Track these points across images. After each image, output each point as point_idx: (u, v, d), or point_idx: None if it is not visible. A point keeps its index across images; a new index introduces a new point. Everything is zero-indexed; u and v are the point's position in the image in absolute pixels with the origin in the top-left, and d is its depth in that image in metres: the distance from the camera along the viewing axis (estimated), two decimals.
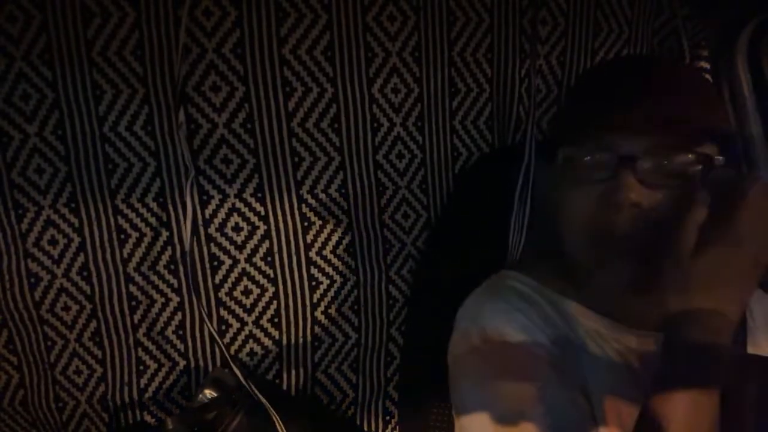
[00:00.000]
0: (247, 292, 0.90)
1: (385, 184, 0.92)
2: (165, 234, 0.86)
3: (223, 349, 0.86)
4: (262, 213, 0.88)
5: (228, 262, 0.88)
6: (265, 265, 0.90)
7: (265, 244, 0.89)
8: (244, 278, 0.89)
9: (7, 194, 0.80)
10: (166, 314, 0.89)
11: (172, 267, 0.87)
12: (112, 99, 0.81)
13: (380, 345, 0.97)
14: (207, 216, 0.87)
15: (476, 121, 0.94)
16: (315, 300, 0.92)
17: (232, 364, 0.85)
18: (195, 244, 0.87)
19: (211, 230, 0.87)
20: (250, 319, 0.91)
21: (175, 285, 0.88)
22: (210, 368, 0.91)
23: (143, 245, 0.86)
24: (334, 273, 0.92)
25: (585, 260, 0.65)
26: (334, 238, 0.91)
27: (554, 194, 0.69)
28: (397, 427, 1.00)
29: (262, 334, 0.92)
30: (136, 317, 0.88)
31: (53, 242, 0.83)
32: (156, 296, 0.88)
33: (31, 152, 0.80)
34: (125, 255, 0.85)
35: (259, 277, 0.90)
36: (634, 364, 0.66)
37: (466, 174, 0.94)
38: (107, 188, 0.83)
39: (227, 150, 0.85)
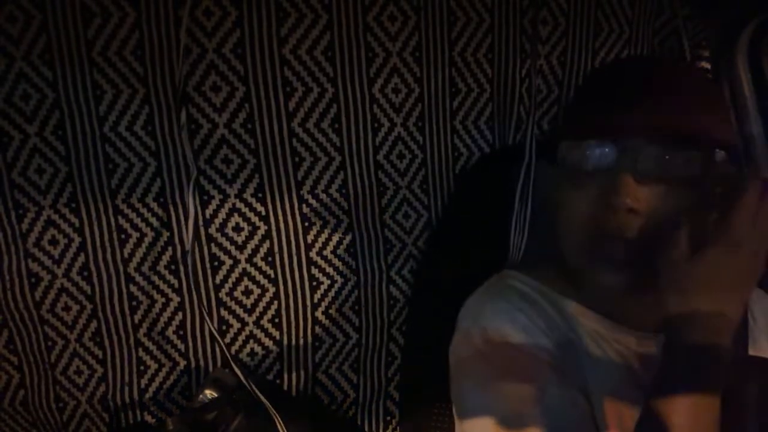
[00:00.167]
0: (247, 292, 0.90)
1: (386, 185, 0.92)
2: (166, 234, 0.86)
3: (224, 349, 0.86)
4: (263, 213, 0.88)
5: (229, 262, 0.88)
6: (266, 265, 0.90)
7: (266, 244, 0.89)
8: (245, 278, 0.89)
9: (7, 194, 0.80)
10: (166, 314, 0.88)
11: (173, 267, 0.87)
12: (112, 99, 0.81)
13: (381, 345, 0.97)
14: (208, 216, 0.87)
15: (477, 121, 0.94)
16: (316, 300, 0.92)
17: (232, 364, 0.85)
18: (195, 244, 0.87)
19: (212, 230, 0.87)
20: (250, 319, 0.91)
21: (176, 285, 0.88)
22: (210, 368, 0.91)
23: (144, 245, 0.86)
24: (335, 273, 0.92)
25: (582, 261, 0.65)
26: (335, 239, 0.91)
27: (554, 194, 0.69)
28: (398, 427, 1.00)
29: (263, 334, 0.92)
30: (137, 317, 0.88)
31: (54, 242, 0.83)
32: (157, 296, 0.88)
33: (31, 152, 0.80)
34: (126, 255, 0.85)
35: (259, 278, 0.90)
36: (634, 365, 0.66)
37: (466, 174, 0.94)
38: (108, 188, 0.83)
39: (228, 150, 0.85)
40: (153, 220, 0.85)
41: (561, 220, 0.67)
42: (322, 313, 0.93)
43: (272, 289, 0.90)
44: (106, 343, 0.88)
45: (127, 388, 0.90)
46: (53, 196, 0.82)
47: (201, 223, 0.86)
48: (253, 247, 0.89)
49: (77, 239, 0.84)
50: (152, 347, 0.89)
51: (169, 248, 0.86)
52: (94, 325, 0.86)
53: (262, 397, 0.83)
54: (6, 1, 0.74)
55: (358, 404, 0.99)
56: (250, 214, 0.88)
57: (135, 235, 0.85)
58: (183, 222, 0.85)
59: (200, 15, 0.80)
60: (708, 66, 0.95)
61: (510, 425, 0.59)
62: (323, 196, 0.90)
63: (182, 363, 0.91)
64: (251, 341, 0.92)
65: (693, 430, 0.52)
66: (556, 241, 0.69)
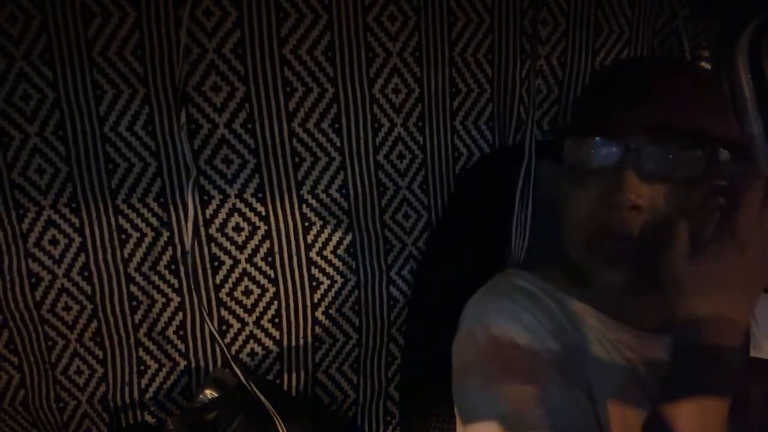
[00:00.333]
0: (247, 293, 0.90)
1: (386, 185, 0.92)
2: (166, 234, 0.86)
3: (224, 349, 0.86)
4: (263, 213, 0.88)
5: (229, 262, 0.88)
6: (266, 265, 0.90)
7: (266, 245, 0.89)
8: (245, 278, 0.89)
9: (7, 194, 0.80)
10: (166, 314, 0.88)
11: (173, 267, 0.87)
12: (112, 99, 0.81)
13: (381, 345, 0.97)
14: (208, 216, 0.87)
15: (477, 121, 0.94)
16: (316, 300, 0.92)
17: (232, 364, 0.85)
18: (196, 244, 0.87)
19: (212, 230, 0.87)
20: (250, 320, 0.91)
21: (176, 285, 0.88)
22: (211, 368, 0.91)
23: (144, 245, 0.86)
24: (335, 273, 0.92)
25: (586, 258, 0.65)
26: (335, 239, 0.91)
27: (557, 193, 0.69)
28: (398, 427, 1.00)
29: (263, 334, 0.92)
30: (137, 317, 0.88)
31: (54, 242, 0.83)
32: (157, 296, 0.88)
33: (31, 152, 0.80)
34: (126, 255, 0.85)
35: (259, 278, 0.90)
36: (638, 366, 0.66)
37: (466, 174, 0.94)
38: (108, 188, 0.83)
39: (228, 150, 0.85)
40: (153, 220, 0.85)
41: (565, 219, 0.67)
42: (322, 313, 0.93)
43: (272, 289, 0.90)
44: (107, 343, 0.88)
45: (127, 388, 0.90)
46: (54, 196, 0.82)
47: (201, 223, 0.86)
48: (253, 247, 0.89)
49: (77, 239, 0.84)
50: (152, 347, 0.89)
51: (170, 248, 0.86)
52: (94, 325, 0.86)
53: (262, 397, 0.83)
54: (6, 1, 0.74)
55: (358, 404, 0.99)
56: (250, 214, 0.88)
57: (135, 235, 0.85)
58: (183, 222, 0.85)
59: (200, 15, 0.80)
60: (708, 66, 0.95)
61: (513, 426, 0.59)
62: (323, 196, 0.90)
63: (182, 363, 0.91)
64: (251, 341, 0.92)
65: None
66: (560, 240, 0.69)
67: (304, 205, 0.89)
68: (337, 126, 0.88)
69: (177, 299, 0.88)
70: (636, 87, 0.64)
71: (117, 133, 0.82)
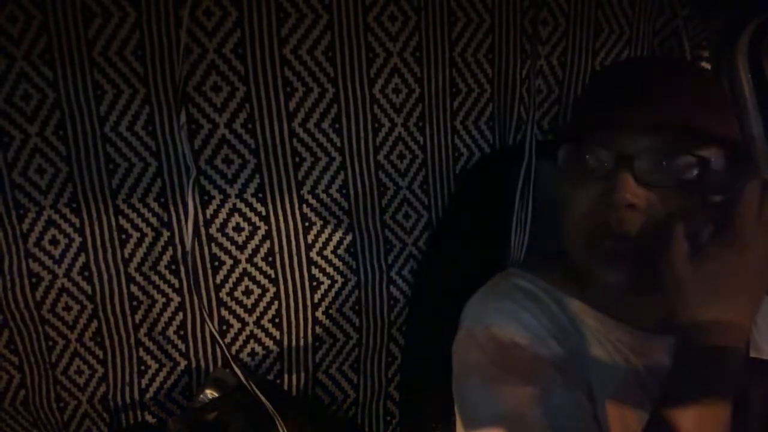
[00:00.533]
0: (248, 293, 0.90)
1: (386, 185, 0.92)
2: (166, 234, 0.86)
3: (224, 349, 0.86)
4: (263, 213, 0.88)
5: (229, 262, 0.89)
6: (266, 265, 0.90)
7: (266, 245, 0.89)
8: (245, 278, 0.89)
9: (8, 194, 0.80)
10: (167, 314, 0.89)
11: (174, 267, 0.87)
12: (113, 99, 0.81)
13: (381, 345, 0.97)
14: (208, 216, 0.87)
15: (477, 121, 0.94)
16: (316, 300, 0.92)
17: (233, 364, 0.85)
18: (196, 244, 0.87)
19: (212, 230, 0.87)
20: (251, 320, 0.91)
21: (177, 285, 0.88)
22: (211, 368, 0.91)
23: (144, 245, 0.86)
24: (335, 273, 0.92)
25: (585, 258, 0.65)
26: (335, 239, 0.91)
27: (557, 193, 0.69)
28: (398, 427, 1.00)
29: (263, 334, 0.92)
30: (138, 317, 0.88)
31: (54, 242, 0.83)
32: (157, 296, 0.88)
33: (32, 152, 0.80)
34: (126, 255, 0.85)
35: (260, 278, 0.90)
36: (638, 366, 0.66)
37: (467, 174, 0.94)
38: (108, 188, 0.83)
39: (228, 150, 0.85)
40: (153, 220, 0.85)
41: (564, 218, 0.68)
42: (323, 313, 0.93)
43: (273, 289, 0.90)
44: (107, 343, 0.88)
45: (127, 388, 0.90)
46: (54, 196, 0.82)
47: (201, 223, 0.87)
48: (254, 247, 0.89)
49: (78, 239, 0.84)
50: (153, 347, 0.89)
51: (170, 248, 0.87)
52: (94, 325, 0.86)
53: (262, 397, 0.83)
54: (7, 1, 0.74)
55: (358, 404, 0.99)
56: (251, 214, 0.88)
57: (135, 235, 0.85)
58: (183, 222, 0.85)
59: (201, 15, 0.80)
60: (708, 66, 0.95)
61: (513, 426, 0.59)
62: (324, 196, 0.90)
63: (183, 363, 0.91)
64: (251, 341, 0.92)
65: None
66: (560, 240, 0.69)
67: (304, 205, 0.89)
68: (337, 126, 0.88)
69: (177, 299, 0.88)
70: (634, 87, 0.64)
71: (117, 133, 0.82)
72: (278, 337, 0.92)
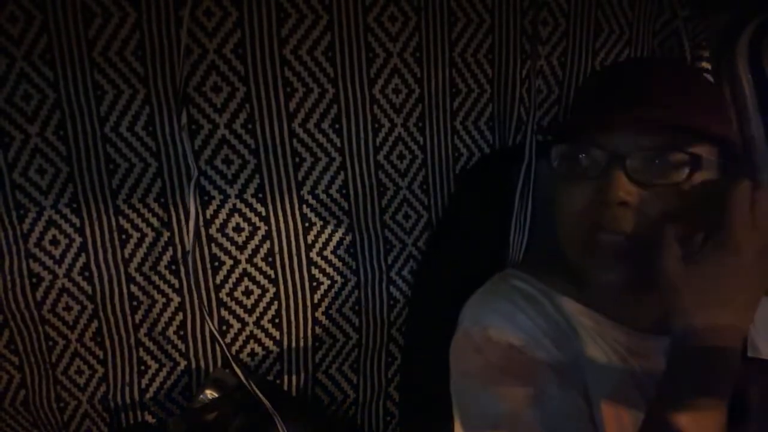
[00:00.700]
0: (248, 293, 0.90)
1: (386, 185, 0.92)
2: (166, 234, 0.86)
3: (224, 349, 0.86)
4: (263, 213, 0.88)
5: (229, 262, 0.89)
6: (266, 265, 0.90)
7: (266, 245, 0.89)
8: (245, 279, 0.89)
9: (8, 194, 0.81)
10: (167, 314, 0.89)
11: (174, 267, 0.87)
12: (113, 99, 0.81)
13: (381, 345, 0.97)
14: (208, 216, 0.87)
15: (477, 121, 0.94)
16: (316, 300, 0.92)
17: (233, 364, 0.85)
18: (196, 244, 0.87)
19: (213, 231, 0.87)
20: (251, 320, 0.91)
21: (177, 285, 0.88)
22: (211, 368, 0.91)
23: (145, 245, 0.86)
24: (335, 273, 0.92)
25: (579, 256, 0.65)
26: (335, 239, 0.91)
27: (553, 192, 0.69)
28: (398, 427, 1.00)
29: (263, 334, 0.92)
30: (138, 317, 0.88)
31: (55, 242, 0.83)
32: (157, 296, 0.88)
33: (32, 152, 0.80)
34: (126, 255, 0.86)
35: (260, 278, 0.90)
36: (634, 366, 0.66)
37: (467, 174, 0.94)
38: (109, 189, 0.83)
39: (228, 150, 0.86)
40: (154, 221, 0.85)
41: (558, 217, 0.68)
42: (322, 313, 0.93)
43: (272, 290, 0.91)
44: (107, 343, 0.88)
45: (127, 388, 0.90)
46: (54, 197, 0.82)
47: (201, 223, 0.87)
48: (254, 247, 0.89)
49: (78, 239, 0.84)
50: (153, 347, 0.89)
51: (170, 248, 0.87)
52: (95, 325, 0.87)
53: (262, 398, 0.83)
54: (7, 2, 0.75)
55: (358, 404, 0.99)
56: (251, 215, 0.88)
57: (136, 235, 0.85)
58: (184, 222, 0.85)
59: (201, 15, 0.81)
60: (708, 66, 0.95)
61: (509, 426, 0.59)
62: (323, 196, 0.90)
63: (183, 363, 0.91)
64: (251, 341, 0.92)
65: None
66: (557, 240, 0.69)
67: (304, 206, 0.89)
68: (337, 126, 0.88)
69: (177, 299, 0.88)
70: (626, 87, 0.65)
71: (118, 134, 0.82)
72: (278, 338, 0.92)
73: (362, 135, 0.89)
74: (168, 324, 0.89)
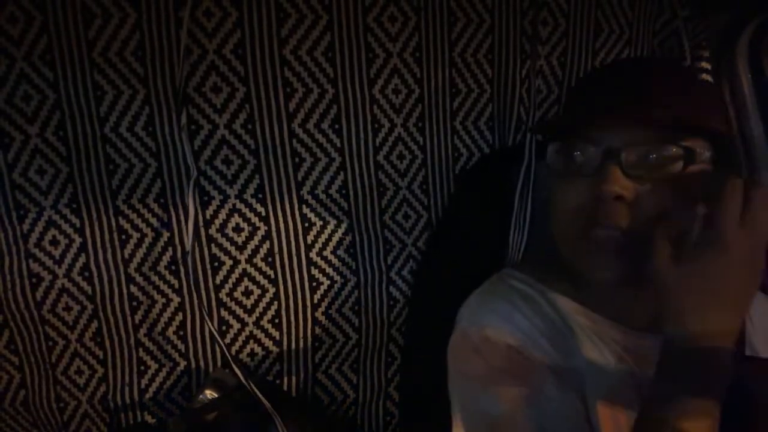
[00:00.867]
0: (247, 293, 0.90)
1: (386, 185, 0.92)
2: (166, 235, 0.86)
3: (224, 349, 0.86)
4: (263, 214, 0.88)
5: (229, 262, 0.89)
6: (266, 265, 0.90)
7: (266, 245, 0.89)
8: (245, 279, 0.90)
9: (8, 195, 0.81)
10: (167, 315, 0.89)
11: (173, 268, 0.87)
12: (113, 100, 0.81)
13: (381, 346, 0.97)
14: (208, 217, 0.87)
15: (477, 121, 0.94)
16: (315, 300, 0.92)
17: (232, 364, 0.85)
18: (196, 244, 0.87)
19: (212, 231, 0.87)
20: (250, 320, 0.91)
21: (176, 285, 0.88)
22: (211, 369, 0.91)
23: (144, 246, 0.86)
24: (335, 274, 0.92)
25: (574, 254, 0.65)
26: (335, 239, 0.91)
27: (549, 187, 0.69)
28: (398, 427, 1.00)
29: (263, 334, 0.92)
30: (137, 317, 0.88)
31: (55, 243, 0.83)
32: (157, 297, 0.88)
33: (32, 153, 0.80)
34: (126, 255, 0.86)
35: (259, 278, 0.90)
36: (631, 365, 0.66)
37: (466, 174, 0.94)
38: (108, 189, 0.83)
39: (228, 151, 0.86)
40: (153, 221, 0.85)
41: (553, 214, 0.68)
42: (322, 313, 0.93)
43: (272, 290, 0.91)
44: (107, 343, 0.88)
45: (127, 389, 0.90)
46: (54, 197, 0.82)
47: (201, 223, 0.87)
48: (253, 247, 0.89)
49: (78, 240, 0.84)
50: (152, 347, 0.89)
51: (170, 249, 0.87)
52: (94, 325, 0.87)
53: (262, 397, 0.83)
54: (7, 2, 0.75)
55: (358, 404, 0.99)
56: (251, 215, 0.88)
57: (135, 235, 0.85)
58: (183, 223, 0.85)
59: (201, 16, 0.81)
60: (708, 66, 0.95)
61: (505, 426, 0.59)
62: (323, 196, 0.90)
63: (182, 363, 0.91)
64: (251, 342, 0.92)
65: None
66: (553, 238, 0.69)
67: (304, 206, 0.89)
68: (337, 126, 0.88)
69: (177, 299, 0.88)
70: (620, 83, 0.65)
71: (117, 134, 0.82)
72: (278, 338, 0.92)
73: (362, 135, 0.89)
74: (168, 324, 0.89)
